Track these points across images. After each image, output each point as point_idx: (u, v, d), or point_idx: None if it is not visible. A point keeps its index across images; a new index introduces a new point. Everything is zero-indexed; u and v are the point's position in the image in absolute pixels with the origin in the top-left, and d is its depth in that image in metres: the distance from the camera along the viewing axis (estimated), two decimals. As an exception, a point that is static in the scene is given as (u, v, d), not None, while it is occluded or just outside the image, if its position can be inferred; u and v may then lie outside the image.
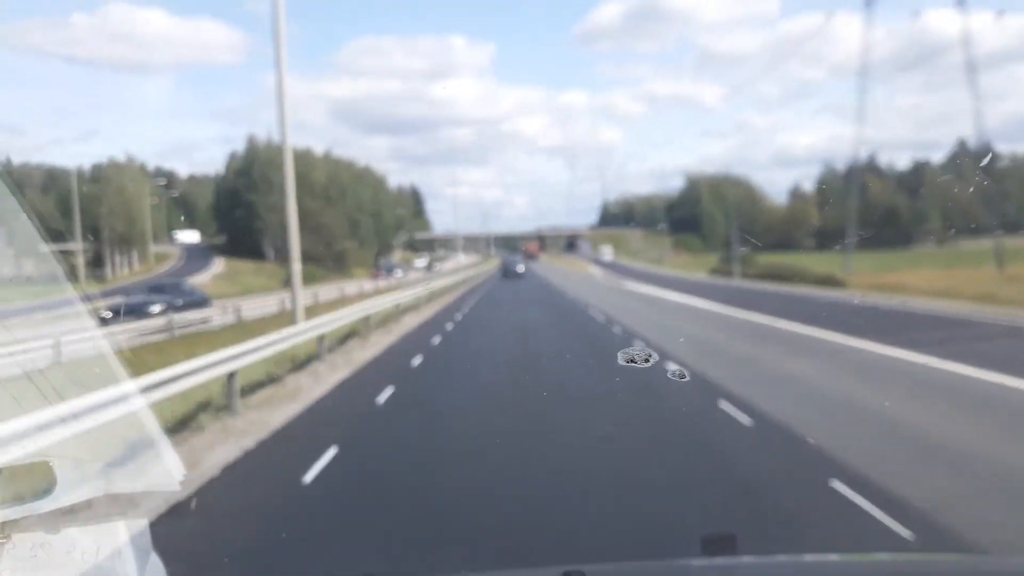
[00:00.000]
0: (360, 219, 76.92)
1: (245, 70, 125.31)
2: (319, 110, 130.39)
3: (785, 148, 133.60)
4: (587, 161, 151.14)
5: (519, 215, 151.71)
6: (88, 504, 1.68)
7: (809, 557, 2.57)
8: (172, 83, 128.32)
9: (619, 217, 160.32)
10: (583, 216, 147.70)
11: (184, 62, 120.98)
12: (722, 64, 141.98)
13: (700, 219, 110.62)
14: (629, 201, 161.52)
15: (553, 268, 79.94)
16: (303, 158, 72.66)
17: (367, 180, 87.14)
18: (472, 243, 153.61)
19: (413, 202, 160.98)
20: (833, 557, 2.59)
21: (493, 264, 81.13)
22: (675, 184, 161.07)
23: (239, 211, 71.14)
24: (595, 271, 69.86)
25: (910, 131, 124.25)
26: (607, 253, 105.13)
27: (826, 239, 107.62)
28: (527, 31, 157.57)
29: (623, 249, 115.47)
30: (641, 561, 2.33)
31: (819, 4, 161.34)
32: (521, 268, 63.65)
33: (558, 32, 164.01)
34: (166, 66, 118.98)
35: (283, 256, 70.31)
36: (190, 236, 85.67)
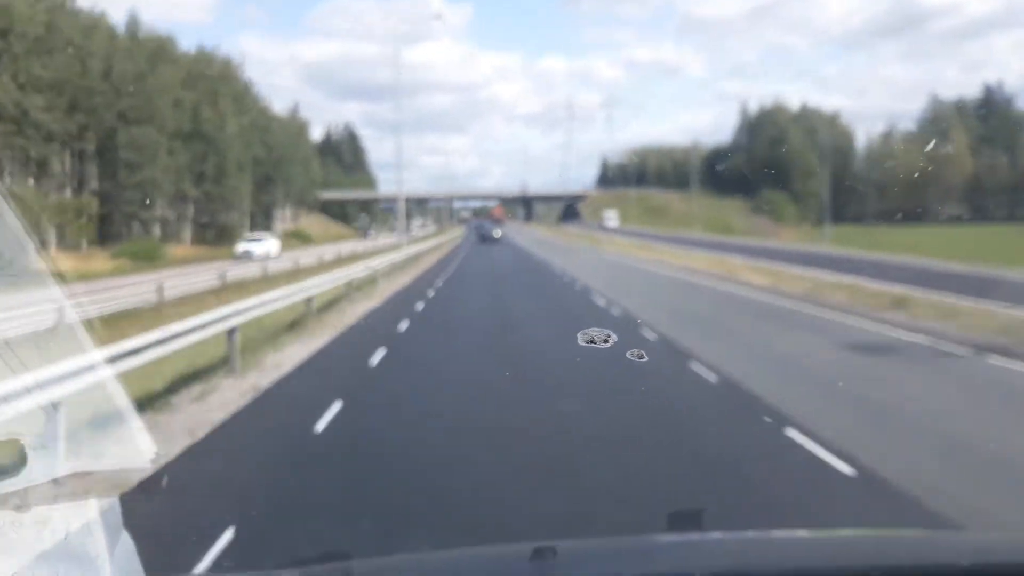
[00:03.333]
0: (156, 141, 33.28)
1: (214, 31, 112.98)
2: (289, 73, 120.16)
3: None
4: (567, 127, 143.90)
5: (497, 184, 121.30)
6: (59, 481, 1.64)
7: (778, 533, 2.51)
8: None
9: (626, 176, 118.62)
10: (571, 185, 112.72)
11: (152, 21, 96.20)
12: (703, 29, 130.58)
13: (788, 170, 68.40)
14: (639, 155, 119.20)
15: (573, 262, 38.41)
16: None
17: (203, 66, 42.92)
18: (424, 210, 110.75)
19: (349, 150, 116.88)
20: (802, 533, 2.53)
21: (433, 248, 40.41)
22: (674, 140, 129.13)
23: None
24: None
25: (888, 100, 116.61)
26: (611, 219, 79.45)
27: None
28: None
29: (660, 216, 73.60)
30: (612, 537, 2.29)
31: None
32: (498, 233, 56.71)
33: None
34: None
35: None
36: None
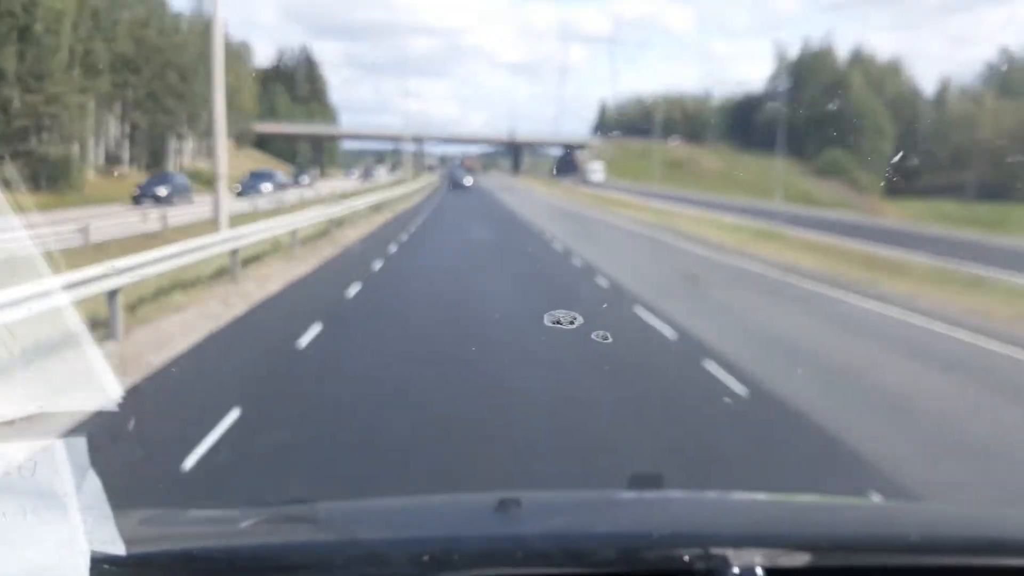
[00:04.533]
0: None
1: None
2: (268, 6, 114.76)
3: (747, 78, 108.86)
4: (560, 62, 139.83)
5: (479, 130, 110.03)
6: (25, 419, 1.68)
7: (737, 495, 2.56)
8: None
9: (626, 125, 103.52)
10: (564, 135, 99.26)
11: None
12: None
13: (850, 126, 53.13)
14: (644, 103, 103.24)
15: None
16: None
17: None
18: (394, 157, 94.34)
19: (305, 79, 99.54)
20: (761, 496, 2.54)
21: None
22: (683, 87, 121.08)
23: None
24: None
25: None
26: (596, 171, 70.40)
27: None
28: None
29: (685, 174, 58.26)
30: (575, 491, 2.22)
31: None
32: (469, 180, 58.77)
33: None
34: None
35: None
36: None
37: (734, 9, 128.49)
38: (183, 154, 40.25)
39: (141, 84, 32.95)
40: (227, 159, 53.25)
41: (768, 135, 61.82)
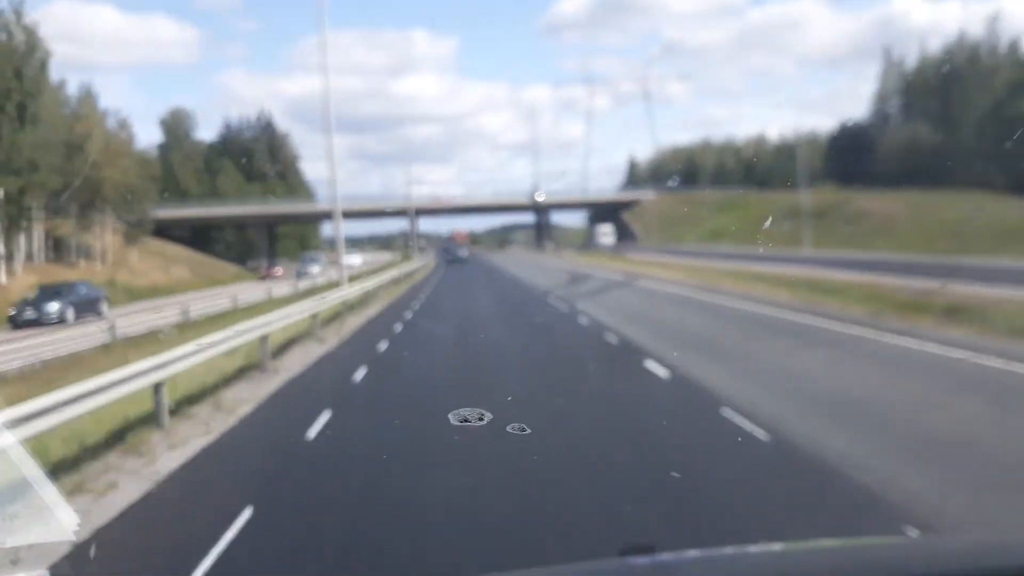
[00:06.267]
0: None
1: (198, 69, 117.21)
2: (275, 108, 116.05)
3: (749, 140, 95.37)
4: (556, 155, 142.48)
5: (487, 201, 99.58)
6: None
7: (753, 548, 2.24)
8: (125, 83, 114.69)
9: (667, 178, 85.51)
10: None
11: (137, 62, 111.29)
12: (687, 56, 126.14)
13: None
14: (683, 153, 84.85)
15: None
16: None
17: None
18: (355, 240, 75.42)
19: (265, 151, 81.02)
20: (777, 547, 2.30)
21: None
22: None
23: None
24: None
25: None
26: (606, 234, 61.58)
27: None
28: (491, 23, 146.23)
29: (846, 224, 38.25)
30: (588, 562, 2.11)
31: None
32: (464, 252, 57.22)
33: (522, 24, 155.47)
34: (118, 66, 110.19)
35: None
36: None
37: (729, 74, 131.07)
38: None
39: None
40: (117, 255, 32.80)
41: (907, 167, 42.56)
